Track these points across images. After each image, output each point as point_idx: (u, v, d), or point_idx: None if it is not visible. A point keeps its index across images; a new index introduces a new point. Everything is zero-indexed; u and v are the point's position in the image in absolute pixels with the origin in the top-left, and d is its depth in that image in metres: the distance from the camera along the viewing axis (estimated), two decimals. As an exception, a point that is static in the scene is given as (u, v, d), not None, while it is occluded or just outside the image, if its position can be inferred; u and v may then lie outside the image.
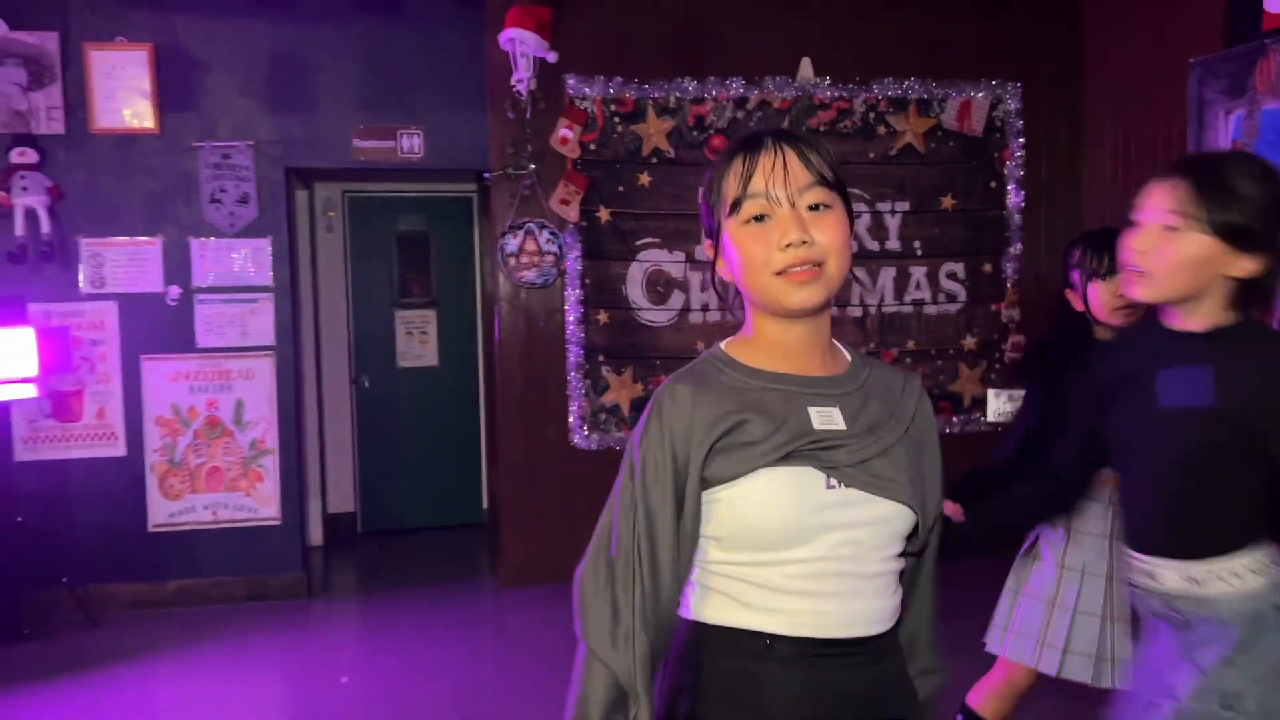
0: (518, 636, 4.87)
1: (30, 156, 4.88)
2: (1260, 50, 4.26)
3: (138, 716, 4.04)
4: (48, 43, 4.93)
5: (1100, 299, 2.45)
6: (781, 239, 1.13)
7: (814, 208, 1.15)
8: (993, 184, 5.48)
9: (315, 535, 6.33)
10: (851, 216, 1.24)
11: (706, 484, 1.16)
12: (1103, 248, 2.50)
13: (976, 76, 5.49)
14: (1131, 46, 5.35)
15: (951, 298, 5.49)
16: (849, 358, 1.31)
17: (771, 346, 1.24)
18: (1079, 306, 2.57)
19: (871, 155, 5.39)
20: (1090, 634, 2.49)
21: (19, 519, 4.79)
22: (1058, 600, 2.54)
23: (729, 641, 1.21)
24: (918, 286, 5.48)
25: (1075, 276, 2.60)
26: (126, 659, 4.54)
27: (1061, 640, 2.52)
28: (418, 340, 6.89)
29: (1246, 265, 1.55)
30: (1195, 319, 1.69)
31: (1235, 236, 1.50)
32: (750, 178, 1.15)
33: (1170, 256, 1.55)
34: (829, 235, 1.15)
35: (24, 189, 4.84)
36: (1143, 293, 1.61)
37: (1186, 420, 1.66)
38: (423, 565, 6.03)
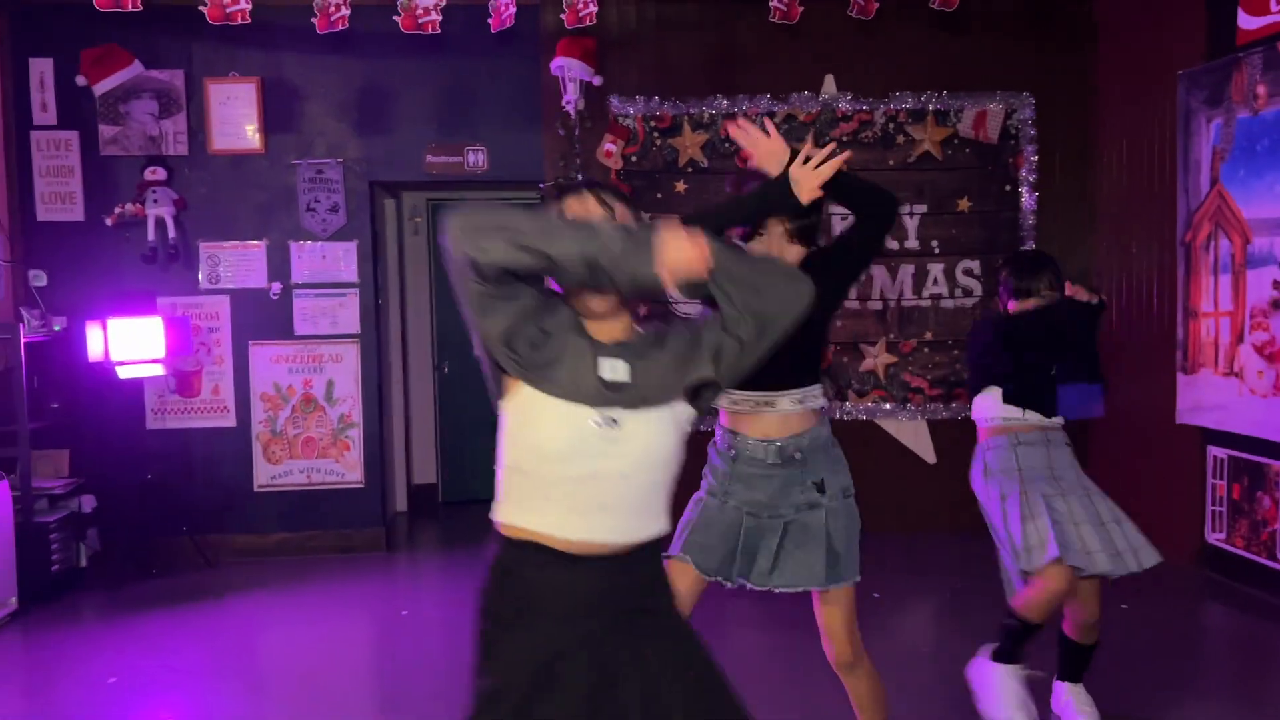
0: None
1: (160, 174, 5.42)
2: (1235, 63, 4.35)
3: (244, 640, 4.46)
4: (175, 79, 5.48)
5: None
6: None
7: None
8: (1007, 188, 5.60)
9: (400, 502, 6.76)
10: None
11: (515, 361, 1.36)
12: (1024, 272, 2.89)
13: (992, 89, 5.58)
14: (1133, 59, 5.40)
15: (968, 292, 5.60)
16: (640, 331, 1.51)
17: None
18: None
19: (891, 162, 5.56)
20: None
21: (149, 477, 5.32)
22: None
23: (510, 540, 1.45)
24: (935, 282, 5.62)
25: (1002, 293, 2.96)
26: (235, 595, 5.00)
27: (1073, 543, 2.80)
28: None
29: None
30: None
31: None
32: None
33: None
34: None
35: (155, 201, 5.36)
36: None
37: None
38: (487, 530, 6.53)
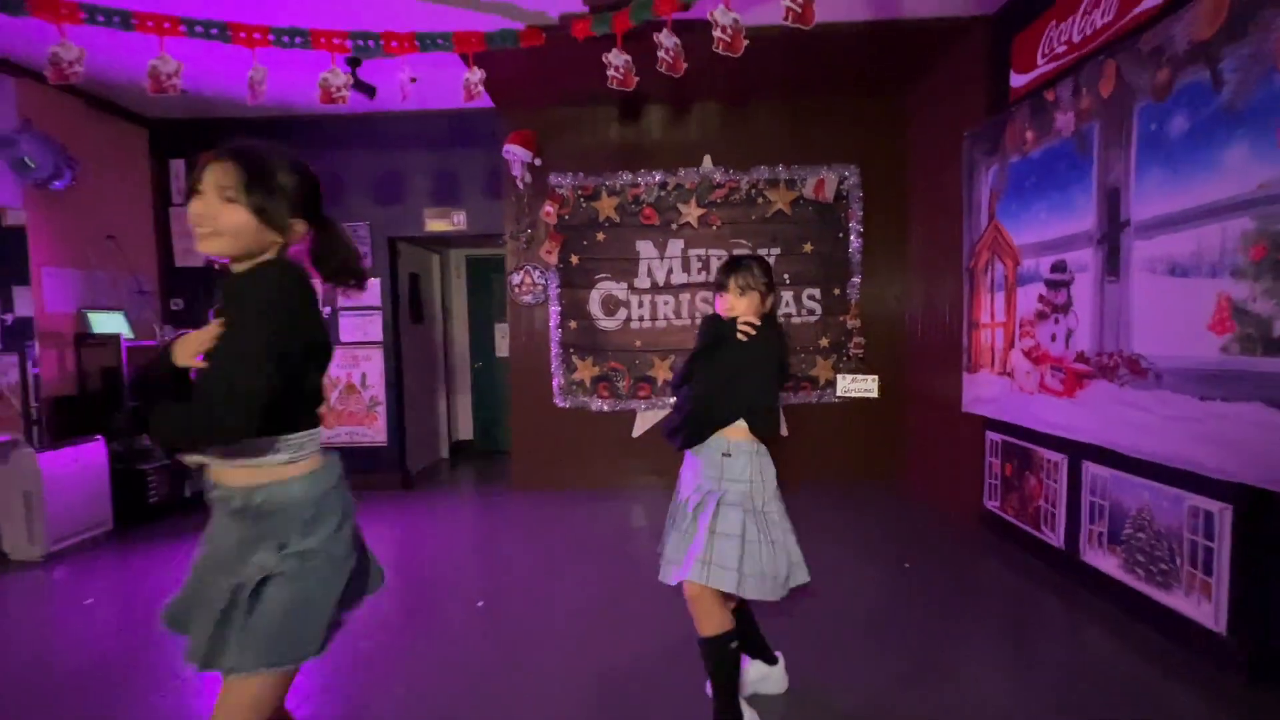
0: (517, 517, 5.36)
1: None
2: (1009, 116, 4.25)
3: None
4: None
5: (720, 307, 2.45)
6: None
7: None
8: (840, 235, 5.81)
9: (443, 451, 7.55)
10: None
11: None
12: (720, 274, 2.46)
13: (828, 161, 5.81)
14: (933, 132, 5.39)
15: (811, 312, 5.84)
16: None
17: None
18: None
19: (754, 217, 5.81)
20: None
21: None
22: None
23: None
24: (787, 305, 5.85)
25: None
26: None
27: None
28: (506, 340, 7.86)
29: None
30: None
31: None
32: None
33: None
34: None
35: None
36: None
37: None
38: (468, 477, 6.81)
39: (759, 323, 2.32)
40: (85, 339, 5.22)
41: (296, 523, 1.56)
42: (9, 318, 5.82)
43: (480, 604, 3.67)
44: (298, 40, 3.87)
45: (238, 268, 1.55)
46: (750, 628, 2.56)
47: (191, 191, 1.52)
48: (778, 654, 2.65)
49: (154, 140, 6.13)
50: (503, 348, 7.90)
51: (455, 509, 5.69)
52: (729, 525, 2.20)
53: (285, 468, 1.56)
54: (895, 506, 5.38)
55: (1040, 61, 3.93)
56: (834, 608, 3.43)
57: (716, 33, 3.38)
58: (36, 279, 4.90)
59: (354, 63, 4.21)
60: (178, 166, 6.16)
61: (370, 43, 3.95)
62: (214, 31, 3.73)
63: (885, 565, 4.05)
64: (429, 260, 7.38)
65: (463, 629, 3.41)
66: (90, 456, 4.83)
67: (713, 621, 2.24)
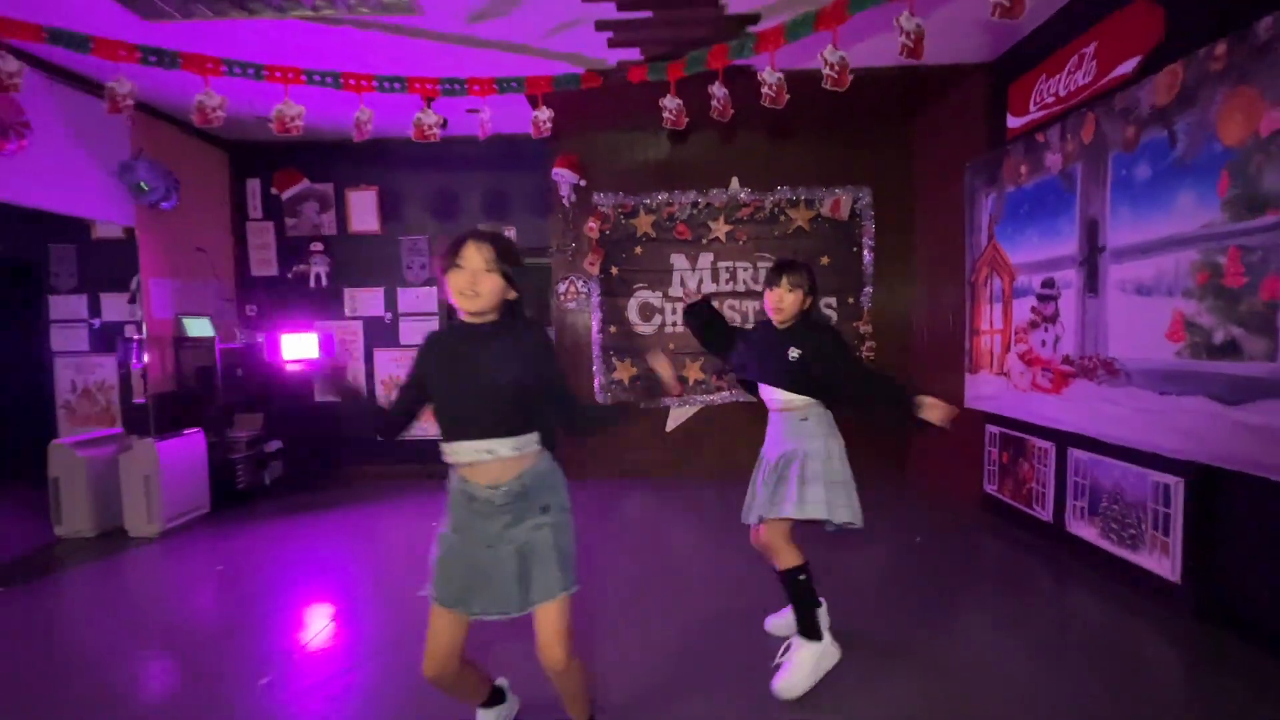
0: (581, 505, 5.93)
1: (319, 246, 6.63)
2: (1005, 152, 4.73)
3: (366, 528, 5.15)
4: (328, 189, 6.64)
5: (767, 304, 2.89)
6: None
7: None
8: (855, 249, 6.32)
9: None
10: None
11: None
12: (772, 273, 2.89)
13: (843, 183, 6.29)
14: (937, 159, 5.87)
15: (828, 318, 6.32)
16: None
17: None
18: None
19: (776, 233, 6.30)
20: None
21: (313, 430, 6.44)
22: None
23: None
24: None
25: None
26: (360, 504, 5.84)
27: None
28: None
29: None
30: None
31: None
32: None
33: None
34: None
35: (316, 262, 6.61)
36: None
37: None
38: None
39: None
40: (182, 342, 5.79)
41: (547, 489, 2.12)
42: (97, 322, 6.47)
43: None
44: (396, 86, 4.50)
45: (482, 319, 2.09)
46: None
47: (451, 265, 2.05)
48: (821, 599, 3.13)
49: (232, 162, 6.69)
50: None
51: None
52: (814, 473, 2.75)
53: (535, 453, 2.12)
54: (904, 492, 5.92)
55: (1032, 108, 4.49)
56: (858, 573, 4.02)
57: (826, 70, 3.64)
58: (146, 289, 5.51)
59: (428, 100, 4.82)
60: (253, 185, 6.73)
61: (456, 86, 4.58)
62: (329, 80, 4.36)
63: (899, 540, 4.61)
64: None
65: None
66: (193, 446, 5.43)
67: (789, 557, 2.79)
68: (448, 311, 6.78)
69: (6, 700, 2.87)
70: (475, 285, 2.02)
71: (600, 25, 4.22)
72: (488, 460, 2.03)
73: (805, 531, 2.90)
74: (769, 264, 5.98)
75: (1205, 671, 2.90)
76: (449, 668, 2.13)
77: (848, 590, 3.69)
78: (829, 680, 2.83)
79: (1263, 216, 2.80)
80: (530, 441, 2.07)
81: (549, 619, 2.05)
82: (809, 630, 2.81)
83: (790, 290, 2.80)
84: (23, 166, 4.42)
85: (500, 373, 2.04)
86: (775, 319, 2.90)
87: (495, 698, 2.46)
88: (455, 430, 2.05)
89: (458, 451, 2.05)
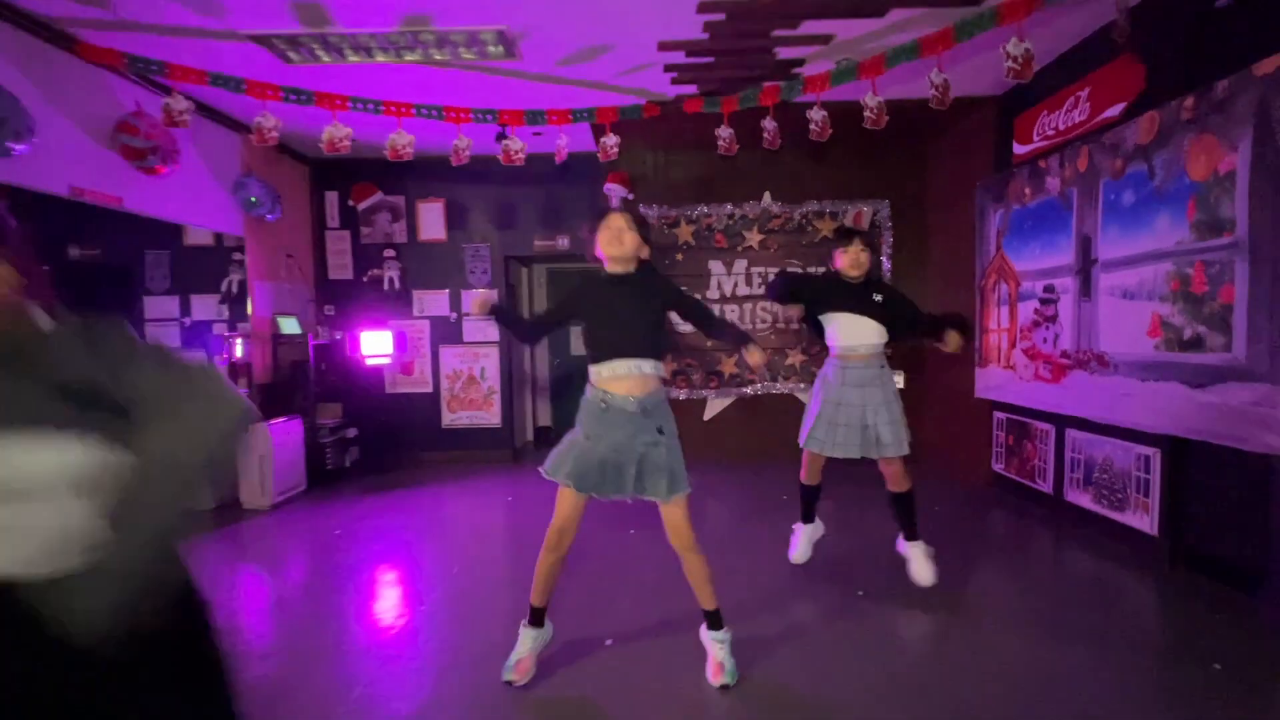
0: None
1: (392, 253, 7.20)
2: (1011, 175, 5.30)
3: (432, 508, 5.61)
4: (400, 200, 7.24)
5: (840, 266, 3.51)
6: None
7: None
8: (874, 256, 6.37)
9: (529, 435, 8.46)
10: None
11: None
12: (839, 237, 3.55)
13: (864, 197, 6.89)
14: (949, 176, 6.46)
15: None
16: None
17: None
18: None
19: (804, 242, 6.87)
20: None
21: (384, 419, 7.11)
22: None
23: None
24: None
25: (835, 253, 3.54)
26: (428, 485, 6.39)
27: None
28: (580, 342, 8.63)
29: None
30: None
31: None
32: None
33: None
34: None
35: (389, 267, 7.19)
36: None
37: None
38: None
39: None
40: (279, 338, 6.52)
41: (662, 414, 2.68)
42: (187, 321, 7.18)
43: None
44: (489, 117, 5.25)
45: (625, 268, 2.72)
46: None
47: (602, 227, 2.72)
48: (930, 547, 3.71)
49: (313, 176, 7.36)
50: (576, 347, 8.94)
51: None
52: (897, 413, 3.45)
53: (660, 378, 2.68)
54: (920, 473, 6.36)
55: (1035, 139, 5.15)
56: (883, 539, 4.53)
57: (867, 112, 4.37)
58: (251, 291, 6.24)
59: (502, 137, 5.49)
60: (331, 197, 7.38)
61: (540, 118, 5.32)
62: (434, 113, 5.10)
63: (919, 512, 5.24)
64: (520, 273, 8.65)
65: (618, 557, 4.55)
66: (294, 430, 6.16)
67: (906, 481, 3.51)
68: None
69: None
70: (620, 236, 2.66)
71: (669, 67, 4.94)
72: (634, 375, 2.58)
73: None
74: (798, 269, 6.75)
75: (1178, 603, 3.59)
76: (566, 539, 2.73)
77: (874, 553, 4.29)
78: (873, 613, 3.53)
79: (1220, 238, 3.55)
80: (659, 367, 2.63)
81: (670, 514, 2.69)
82: (915, 534, 3.66)
83: (863, 250, 3.49)
84: (170, 186, 5.14)
85: (644, 308, 2.66)
86: (854, 273, 3.55)
87: (538, 619, 2.89)
88: (610, 350, 2.63)
89: (612, 367, 2.61)
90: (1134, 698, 2.67)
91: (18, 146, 3.55)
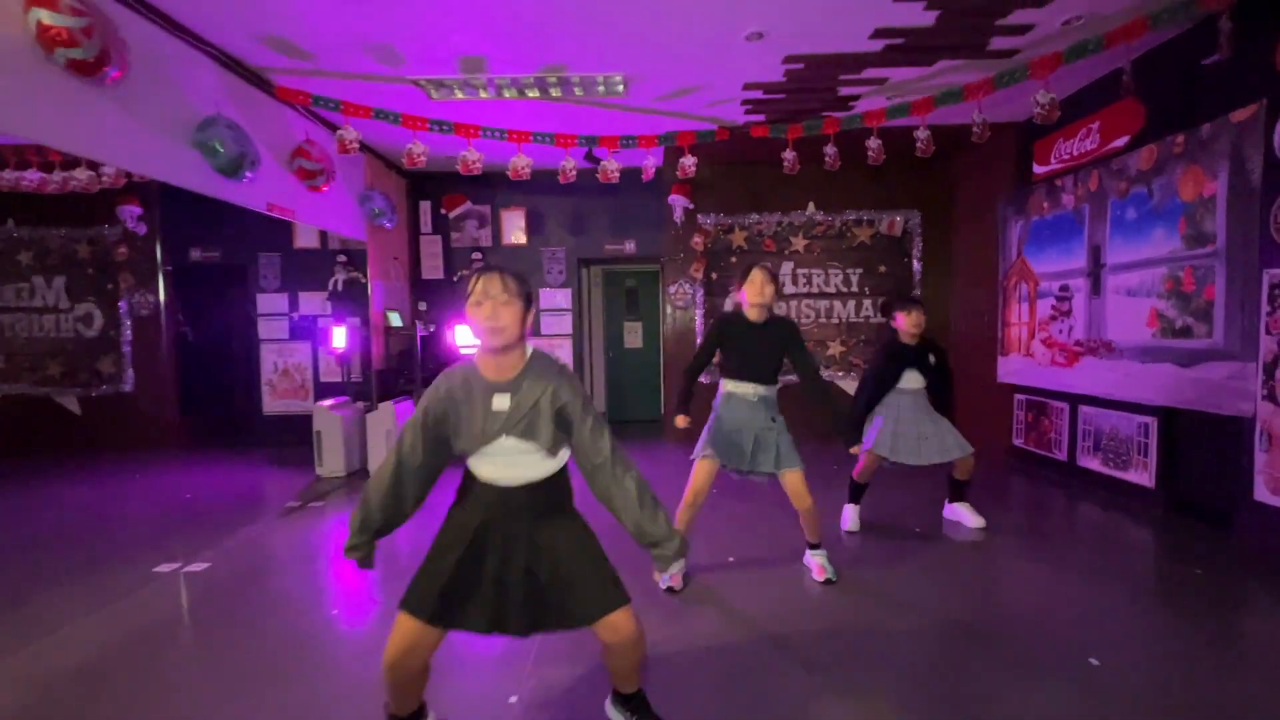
0: (674, 460, 6.82)
1: (479, 256, 8.06)
2: (1031, 190, 6.04)
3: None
4: (486, 209, 8.01)
5: (901, 325, 4.15)
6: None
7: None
8: (906, 259, 7.69)
9: None
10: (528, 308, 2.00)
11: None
12: (904, 303, 4.14)
13: (897, 208, 7.66)
14: (975, 190, 7.18)
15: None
16: (518, 372, 2.03)
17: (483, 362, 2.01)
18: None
19: (844, 247, 7.64)
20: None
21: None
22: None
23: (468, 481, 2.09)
24: (866, 310, 7.66)
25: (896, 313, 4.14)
26: None
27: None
28: (633, 334, 9.79)
29: None
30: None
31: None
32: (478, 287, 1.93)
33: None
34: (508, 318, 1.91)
35: (477, 267, 8.36)
36: None
37: None
38: (631, 434, 8.53)
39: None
40: (390, 330, 7.48)
41: (774, 407, 3.45)
42: (295, 315, 8.18)
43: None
44: (593, 143, 6.22)
45: (760, 315, 3.50)
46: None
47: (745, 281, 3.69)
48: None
49: (410, 187, 8.21)
50: (630, 340, 9.76)
51: (634, 454, 7.38)
52: (945, 424, 4.27)
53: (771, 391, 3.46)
54: None
55: (1053, 161, 5.94)
56: (914, 507, 5.43)
57: (919, 143, 5.58)
58: (372, 289, 7.21)
59: (589, 155, 6.44)
60: (424, 206, 8.25)
61: (632, 142, 6.29)
62: (548, 139, 6.07)
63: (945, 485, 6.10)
64: (580, 272, 9.57)
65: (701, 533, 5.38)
66: (409, 411, 7.14)
67: (972, 471, 4.35)
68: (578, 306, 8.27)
69: (308, 586, 4.02)
70: (763, 289, 3.49)
71: (745, 101, 5.92)
72: (754, 391, 3.45)
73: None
74: (838, 271, 7.56)
75: (1169, 537, 4.47)
76: (696, 507, 3.46)
77: (909, 517, 4.97)
78: (901, 557, 4.42)
79: (1204, 248, 4.52)
80: (772, 389, 3.46)
81: (791, 481, 3.43)
82: (963, 496, 4.56)
83: (923, 314, 4.21)
84: (324, 201, 6.11)
85: (773, 352, 3.40)
86: (914, 334, 4.25)
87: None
88: (740, 375, 3.44)
89: (739, 385, 3.45)
90: (1134, 595, 3.57)
91: (250, 175, 4.52)
